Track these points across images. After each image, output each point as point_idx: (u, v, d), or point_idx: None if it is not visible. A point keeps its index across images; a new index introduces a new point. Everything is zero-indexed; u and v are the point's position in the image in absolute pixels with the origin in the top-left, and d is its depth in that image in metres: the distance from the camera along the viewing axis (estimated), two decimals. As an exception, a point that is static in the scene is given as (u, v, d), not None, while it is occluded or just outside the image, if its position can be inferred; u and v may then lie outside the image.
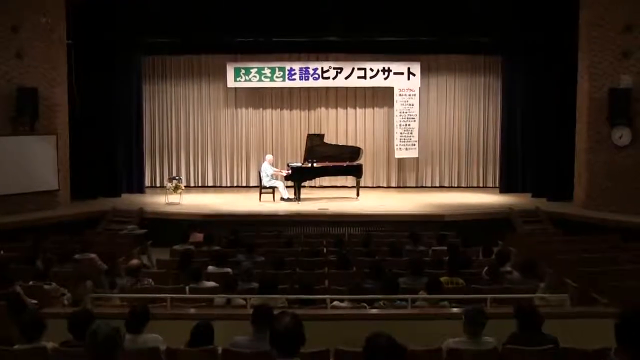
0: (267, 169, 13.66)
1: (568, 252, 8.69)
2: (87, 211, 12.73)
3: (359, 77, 15.23)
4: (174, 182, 13.52)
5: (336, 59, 15.35)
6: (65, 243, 9.10)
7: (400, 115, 15.40)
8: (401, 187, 16.06)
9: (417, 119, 15.43)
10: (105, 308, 6.02)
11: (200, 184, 16.17)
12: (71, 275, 7.36)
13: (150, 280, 7.04)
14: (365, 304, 5.86)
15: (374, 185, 16.05)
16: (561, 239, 10.36)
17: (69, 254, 8.06)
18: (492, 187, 15.73)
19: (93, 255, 8.25)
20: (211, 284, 6.77)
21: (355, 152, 14.14)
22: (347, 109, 16.15)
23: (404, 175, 16.21)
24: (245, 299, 5.96)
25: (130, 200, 13.97)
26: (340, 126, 16.11)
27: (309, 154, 13.60)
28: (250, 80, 15.26)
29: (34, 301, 6.00)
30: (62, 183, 12.77)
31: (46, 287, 6.55)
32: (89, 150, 13.92)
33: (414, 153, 15.60)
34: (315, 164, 13.56)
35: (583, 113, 12.68)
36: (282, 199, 13.58)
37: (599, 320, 5.09)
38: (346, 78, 15.25)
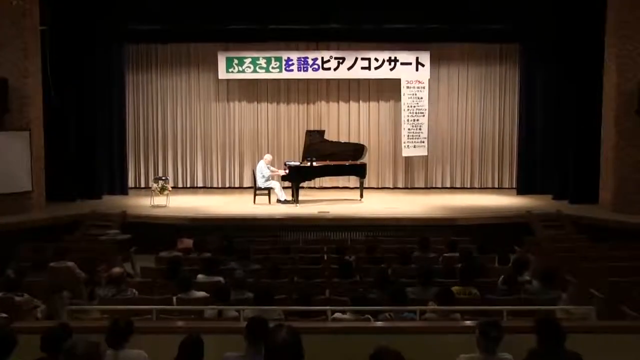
0: (263, 168, 13.66)
1: (593, 260, 8.68)
2: (64, 215, 12.72)
3: (362, 68, 15.24)
4: (160, 182, 13.56)
5: (338, 48, 15.37)
6: (39, 250, 9.07)
7: (408, 110, 15.40)
8: (409, 188, 16.08)
9: (426, 113, 15.44)
10: (83, 321, 6.03)
11: (189, 185, 16.20)
12: (46, 286, 7.34)
13: (134, 290, 7.04)
14: (369, 316, 5.87)
15: (379, 186, 16.07)
16: (585, 245, 10.33)
17: (44, 261, 8.06)
18: (508, 189, 15.75)
19: (70, 263, 8.25)
20: (201, 294, 6.78)
21: (358, 150, 14.14)
22: (349, 102, 16.17)
23: (412, 176, 16.22)
24: (238, 311, 5.97)
25: (111, 202, 13.97)
26: (342, 122, 16.14)
27: (308, 152, 13.61)
28: (243, 71, 15.26)
29: (4, 314, 5.97)
30: (36, 184, 12.76)
31: (18, 298, 6.54)
32: (66, 147, 13.95)
33: (422, 151, 15.61)
34: (314, 163, 13.57)
35: (610, 106, 12.67)
36: (278, 201, 13.59)
37: (628, 336, 5.08)
38: (349, 69, 15.26)
